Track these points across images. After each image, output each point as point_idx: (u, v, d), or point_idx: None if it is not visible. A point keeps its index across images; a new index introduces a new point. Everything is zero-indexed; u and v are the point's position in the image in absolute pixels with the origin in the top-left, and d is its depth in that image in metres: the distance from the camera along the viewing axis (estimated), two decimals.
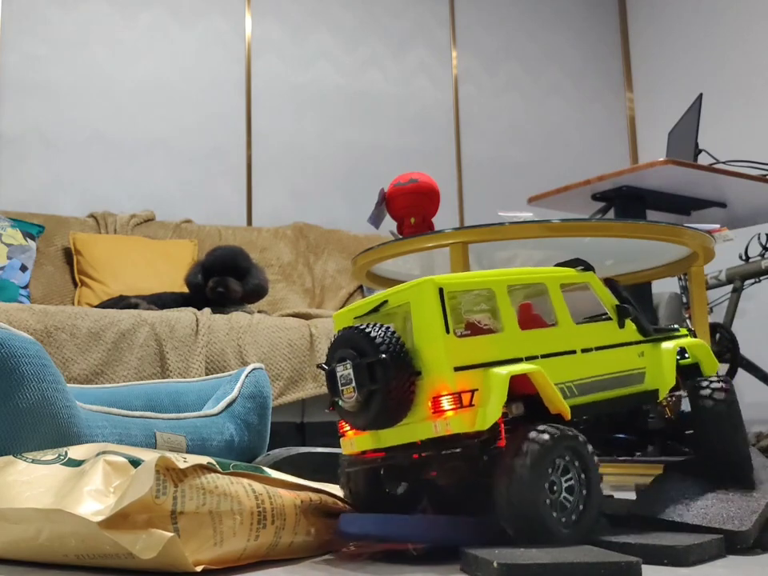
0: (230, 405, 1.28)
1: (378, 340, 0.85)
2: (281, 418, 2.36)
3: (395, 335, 0.86)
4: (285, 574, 0.82)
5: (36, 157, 3.20)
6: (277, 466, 1.17)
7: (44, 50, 3.28)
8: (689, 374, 1.08)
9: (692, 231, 1.60)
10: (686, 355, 1.10)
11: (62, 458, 0.88)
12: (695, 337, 1.12)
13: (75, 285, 2.94)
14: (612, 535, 0.85)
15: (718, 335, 3.09)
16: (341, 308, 3.33)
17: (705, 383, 1.02)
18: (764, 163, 2.34)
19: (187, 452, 1.16)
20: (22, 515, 0.80)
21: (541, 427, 0.82)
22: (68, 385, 1.33)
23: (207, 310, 2.50)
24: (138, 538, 0.73)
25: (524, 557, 0.73)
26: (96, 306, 2.61)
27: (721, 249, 1.87)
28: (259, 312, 2.76)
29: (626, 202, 2.12)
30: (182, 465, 0.78)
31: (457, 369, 0.84)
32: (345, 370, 0.87)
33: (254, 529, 0.83)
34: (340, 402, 0.89)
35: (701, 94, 2.43)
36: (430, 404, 0.84)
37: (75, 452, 0.89)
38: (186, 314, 2.35)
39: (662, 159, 1.96)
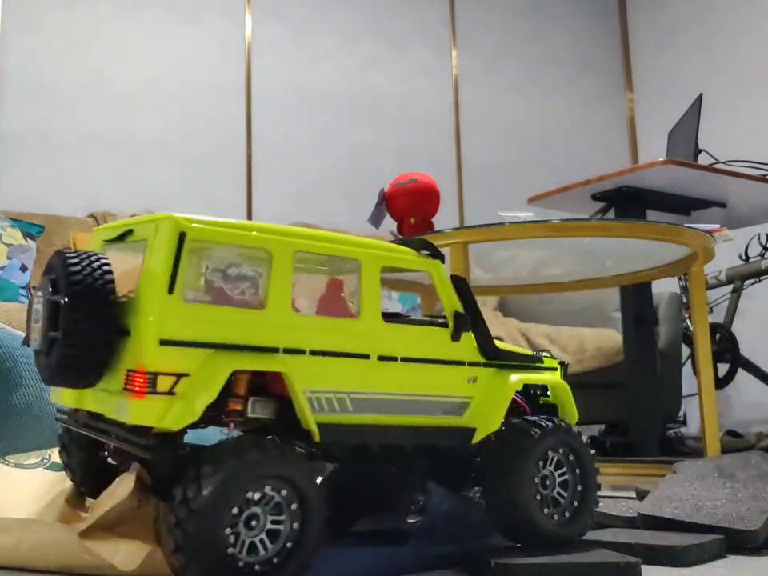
0: None
1: (75, 274, 0.65)
2: None
3: (102, 274, 0.66)
4: None
5: (36, 157, 3.20)
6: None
7: (44, 50, 3.28)
8: (545, 414, 0.88)
9: (692, 231, 1.60)
10: (548, 393, 0.92)
11: (45, 461, 0.87)
12: (566, 371, 0.92)
13: None
14: (613, 535, 0.85)
15: (717, 335, 3.09)
16: None
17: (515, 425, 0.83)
18: (764, 163, 2.34)
19: None
20: (3, 525, 0.78)
21: (243, 445, 0.63)
22: None
23: None
24: (118, 549, 0.71)
25: (523, 557, 0.72)
26: None
27: (721, 249, 1.87)
28: None
29: (626, 202, 2.12)
30: None
31: (165, 342, 0.64)
32: (38, 305, 0.70)
33: None
34: (30, 339, 0.71)
35: (701, 94, 2.43)
36: (124, 376, 0.65)
37: (59, 455, 0.88)
38: None
39: (662, 159, 1.96)
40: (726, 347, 3.06)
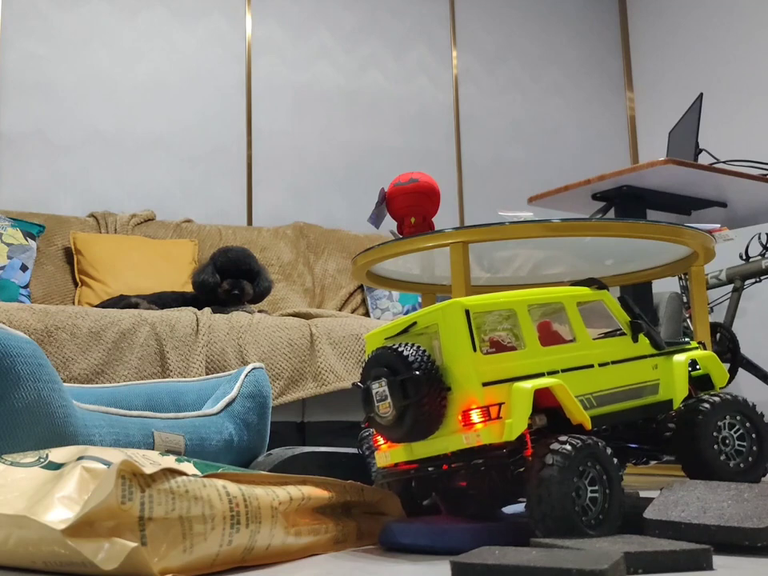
0: (229, 404, 1.27)
1: (411, 358, 0.92)
2: (281, 417, 2.36)
3: (426, 353, 0.93)
4: None
5: (36, 157, 3.20)
6: (281, 466, 1.17)
7: (44, 50, 3.28)
8: (701, 384, 1.14)
9: (692, 231, 1.60)
10: (698, 367, 1.16)
11: (42, 460, 0.87)
12: (705, 349, 1.18)
13: (75, 284, 2.94)
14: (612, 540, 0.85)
15: (718, 335, 3.09)
16: (341, 307, 3.34)
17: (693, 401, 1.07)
18: (764, 163, 2.34)
19: (186, 452, 1.15)
20: None
21: (563, 438, 0.88)
22: (68, 384, 1.33)
23: (207, 310, 2.50)
24: (100, 548, 0.71)
25: (487, 557, 0.72)
26: (96, 306, 2.61)
27: (721, 248, 1.87)
28: (259, 312, 2.76)
29: (627, 202, 2.12)
30: (148, 469, 0.76)
31: (485, 384, 0.90)
32: (380, 387, 0.94)
33: (227, 532, 0.80)
34: (376, 418, 0.95)
35: (701, 94, 2.43)
36: (460, 417, 0.91)
37: (56, 454, 0.88)
38: (187, 313, 2.35)
39: (662, 159, 1.96)
40: (726, 347, 3.06)
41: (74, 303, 2.89)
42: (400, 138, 3.92)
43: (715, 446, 1.03)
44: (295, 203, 3.64)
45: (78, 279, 2.93)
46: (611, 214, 2.15)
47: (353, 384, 1.01)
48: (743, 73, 3.94)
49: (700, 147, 2.40)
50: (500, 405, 0.90)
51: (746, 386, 3.48)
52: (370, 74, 3.91)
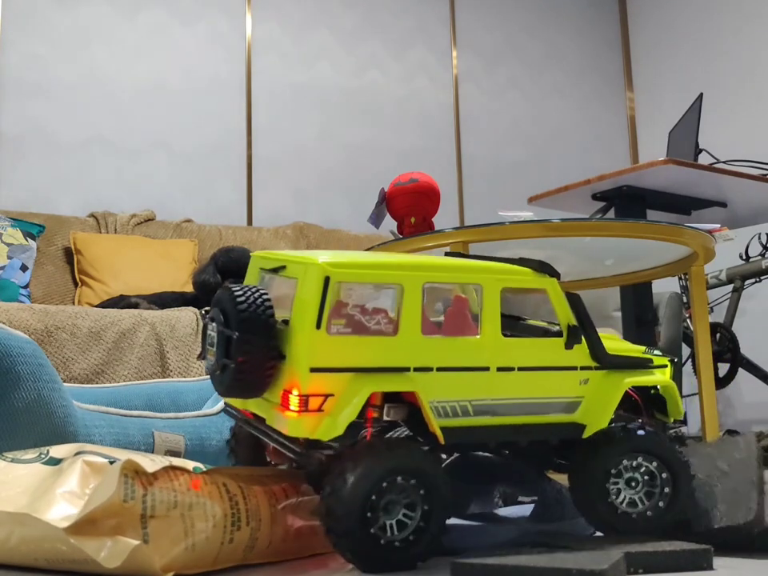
0: None
1: (243, 315, 0.77)
2: None
3: (264, 309, 0.78)
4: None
5: (36, 157, 3.20)
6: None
7: (44, 50, 3.28)
8: (661, 406, 0.99)
9: (692, 231, 1.60)
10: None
11: (42, 456, 0.87)
12: (675, 367, 1.01)
13: (75, 284, 2.94)
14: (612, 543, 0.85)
15: (718, 335, 3.09)
16: None
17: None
18: (764, 163, 2.34)
19: (186, 451, 1.15)
20: None
21: (370, 444, 0.77)
22: (68, 384, 1.33)
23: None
24: (103, 545, 0.71)
25: (487, 557, 0.73)
26: (96, 306, 2.61)
27: (721, 248, 1.87)
28: None
29: (626, 202, 2.12)
30: (149, 468, 0.76)
31: (314, 369, 0.76)
32: (212, 332, 0.83)
33: (228, 531, 0.80)
34: (207, 360, 0.85)
35: (701, 94, 2.43)
36: (280, 395, 0.79)
37: (56, 451, 0.88)
38: (187, 313, 2.35)
39: (662, 159, 1.96)
40: (726, 347, 3.06)
41: (74, 303, 2.89)
42: (400, 137, 3.92)
43: (611, 493, 0.87)
44: (295, 203, 3.64)
45: (77, 279, 2.93)
46: (611, 213, 2.15)
47: (202, 311, 0.91)
48: (743, 73, 3.94)
49: (700, 147, 2.39)
50: (326, 396, 0.76)
51: (746, 387, 3.48)
52: (370, 74, 3.91)
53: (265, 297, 0.79)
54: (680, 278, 3.42)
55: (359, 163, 3.80)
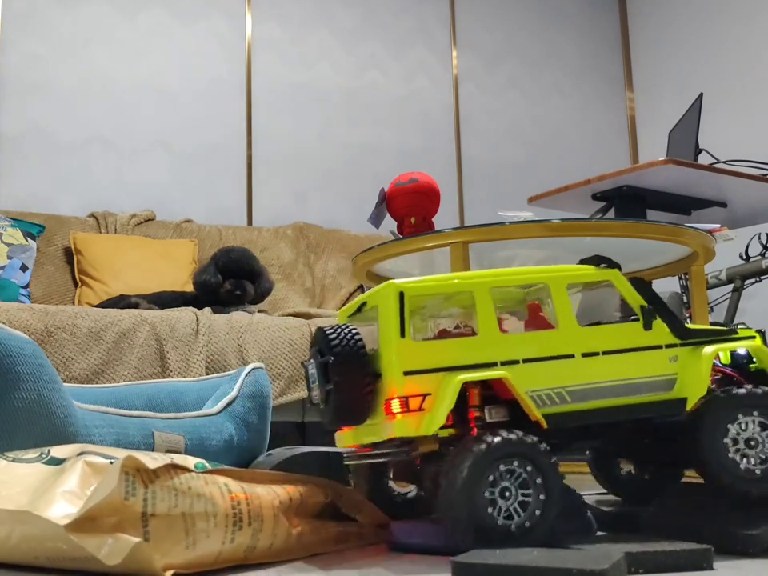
0: (229, 404, 1.27)
1: (334, 342, 0.86)
2: (281, 417, 2.35)
3: (353, 338, 0.87)
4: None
5: (36, 157, 3.20)
6: (281, 466, 1.17)
7: (44, 50, 3.28)
8: (762, 381, 0.99)
9: (692, 231, 1.60)
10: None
11: (43, 456, 0.87)
12: (764, 337, 1.03)
13: (75, 284, 2.94)
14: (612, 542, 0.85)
15: None
16: (341, 307, 3.33)
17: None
18: (764, 163, 2.34)
19: (186, 452, 1.15)
20: None
21: (483, 434, 0.82)
22: (68, 384, 1.33)
23: (207, 310, 2.50)
24: (103, 543, 0.71)
25: (488, 557, 0.72)
26: (96, 306, 2.61)
27: (721, 248, 1.87)
28: (259, 312, 2.76)
29: (627, 202, 2.12)
30: (151, 465, 0.76)
31: (407, 373, 0.84)
32: (312, 369, 0.91)
33: (230, 531, 0.80)
34: (312, 399, 0.92)
35: (701, 94, 2.43)
36: (384, 406, 0.86)
37: (58, 451, 0.88)
38: (187, 313, 2.35)
39: (662, 159, 1.96)
40: None
41: (74, 303, 2.89)
42: (400, 138, 3.92)
43: (730, 449, 0.89)
44: (295, 203, 3.64)
45: (78, 279, 2.93)
46: (611, 213, 2.15)
47: (302, 363, 0.99)
48: (743, 73, 3.94)
49: (700, 147, 2.39)
50: (424, 396, 0.83)
51: None
52: (370, 74, 3.91)
53: (353, 330, 0.88)
54: (680, 278, 3.42)
55: (359, 163, 3.80)
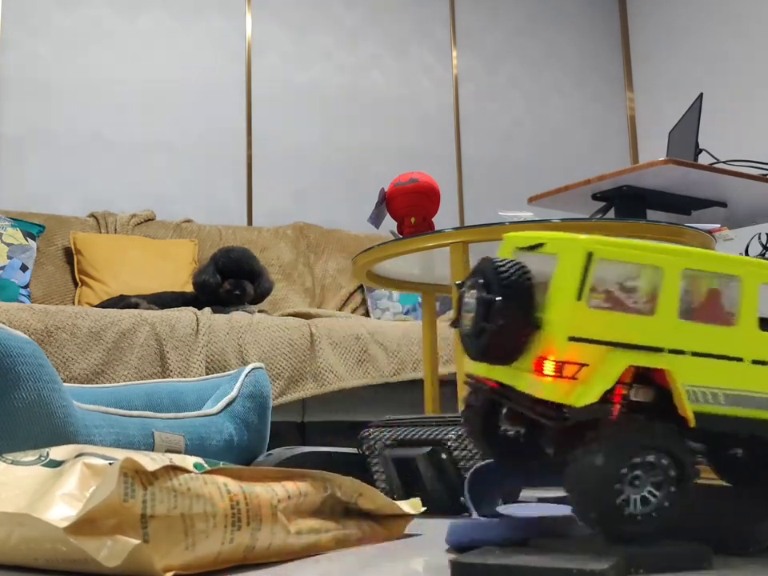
0: (229, 404, 1.27)
1: (504, 282, 0.81)
2: (281, 417, 2.36)
3: (526, 281, 0.82)
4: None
5: (36, 157, 3.21)
6: (281, 466, 1.17)
7: (44, 50, 3.28)
8: None
9: (692, 231, 1.60)
10: None
11: (42, 458, 0.87)
12: None
13: (75, 284, 2.94)
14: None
15: None
16: (341, 307, 3.34)
17: None
18: (764, 163, 2.34)
19: (186, 451, 1.15)
20: None
21: (632, 418, 0.78)
22: (68, 384, 1.33)
23: (207, 310, 2.50)
24: (102, 545, 0.71)
25: (488, 557, 0.72)
26: (96, 306, 2.61)
27: (721, 248, 1.87)
28: (259, 312, 2.76)
29: (627, 202, 2.12)
30: (150, 467, 0.76)
31: (572, 338, 0.79)
32: (469, 298, 0.86)
33: (229, 531, 0.79)
34: (461, 324, 0.88)
35: (701, 94, 2.43)
36: (535, 360, 0.82)
37: (57, 452, 0.88)
38: (187, 313, 2.35)
39: (662, 159, 1.96)
40: None
41: (74, 303, 2.89)
42: (400, 138, 3.92)
43: None
44: (295, 203, 3.64)
45: (78, 279, 2.93)
46: (611, 214, 2.15)
47: (455, 282, 0.94)
48: (743, 73, 3.94)
49: (700, 147, 2.39)
50: (582, 365, 0.79)
51: None
52: (370, 74, 3.91)
53: (525, 268, 0.83)
54: None
55: (359, 163, 3.80)
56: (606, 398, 0.81)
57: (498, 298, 0.80)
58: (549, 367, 0.79)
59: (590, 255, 0.80)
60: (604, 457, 0.76)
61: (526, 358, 0.82)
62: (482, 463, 1.02)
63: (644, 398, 0.82)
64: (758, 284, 0.85)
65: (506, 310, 0.81)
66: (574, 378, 0.79)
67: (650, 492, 0.78)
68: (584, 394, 0.78)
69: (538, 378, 0.80)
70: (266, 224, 3.52)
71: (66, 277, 2.96)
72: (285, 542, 0.87)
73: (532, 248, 0.88)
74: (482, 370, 0.92)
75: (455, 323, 0.89)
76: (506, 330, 0.81)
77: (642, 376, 0.83)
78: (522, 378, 0.83)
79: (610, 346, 0.80)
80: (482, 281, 0.83)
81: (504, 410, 0.94)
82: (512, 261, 0.83)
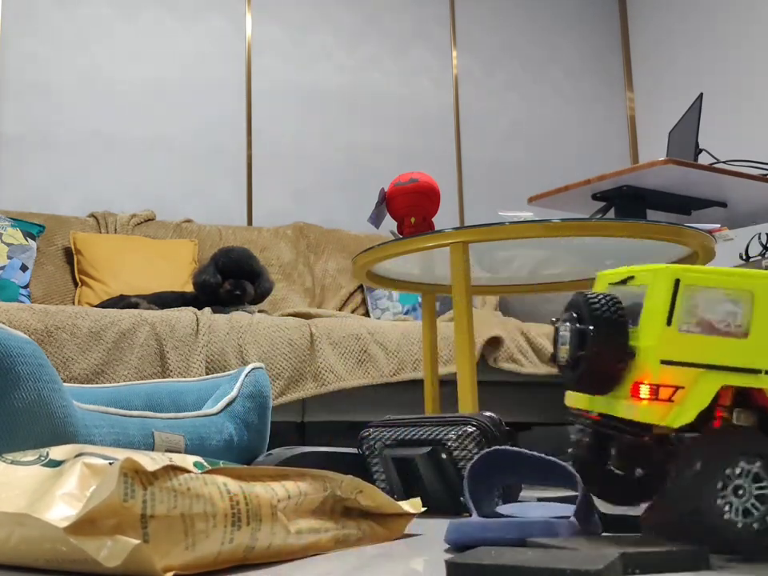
0: (229, 404, 1.28)
1: (596, 312, 0.86)
2: (281, 417, 2.36)
3: (617, 310, 0.86)
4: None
5: (36, 157, 3.21)
6: (281, 466, 1.17)
7: (44, 50, 3.28)
8: None
9: (692, 231, 1.60)
10: None
11: (42, 458, 0.87)
12: None
13: (75, 284, 2.94)
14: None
15: None
16: (341, 307, 3.34)
17: None
18: (764, 163, 2.34)
19: (186, 451, 1.15)
20: None
21: (729, 430, 0.80)
22: (68, 384, 1.33)
23: (207, 310, 2.50)
24: (103, 545, 0.71)
25: (483, 557, 0.72)
26: (96, 306, 2.61)
27: (721, 248, 1.87)
28: (259, 312, 2.76)
29: (627, 202, 2.12)
30: (150, 467, 0.76)
31: (665, 362, 0.83)
32: (564, 331, 0.91)
33: (228, 531, 0.79)
34: (559, 357, 0.93)
35: (701, 94, 2.43)
36: (631, 386, 0.85)
37: (56, 452, 0.88)
38: (187, 313, 2.35)
39: (662, 159, 1.96)
40: None
41: (74, 303, 2.90)
42: (400, 138, 3.92)
43: None
44: (295, 203, 3.64)
45: (78, 279, 2.93)
46: (611, 214, 2.15)
47: (551, 321, 0.96)
48: (743, 73, 3.94)
49: (700, 147, 2.39)
50: (676, 388, 0.82)
51: None
52: (370, 74, 3.91)
53: (615, 299, 0.87)
54: None
55: (359, 163, 3.80)
56: (706, 423, 0.83)
57: (591, 327, 0.85)
58: (644, 391, 0.82)
59: (677, 282, 0.84)
60: (702, 465, 0.78)
61: (623, 386, 0.86)
62: (478, 457, 1.02)
63: (746, 422, 0.84)
64: None
65: (599, 339, 0.85)
66: (669, 400, 0.82)
67: (752, 504, 0.80)
68: (680, 415, 0.81)
69: (634, 403, 0.83)
70: (266, 224, 3.52)
71: (65, 277, 2.96)
72: (285, 542, 0.87)
73: (623, 282, 0.93)
74: (583, 402, 0.95)
75: (553, 358, 0.94)
76: (600, 358, 0.85)
77: (742, 400, 0.85)
78: (620, 404, 0.87)
79: (702, 369, 0.83)
80: (575, 314, 0.89)
81: (613, 451, 0.96)
82: (603, 293, 0.88)
